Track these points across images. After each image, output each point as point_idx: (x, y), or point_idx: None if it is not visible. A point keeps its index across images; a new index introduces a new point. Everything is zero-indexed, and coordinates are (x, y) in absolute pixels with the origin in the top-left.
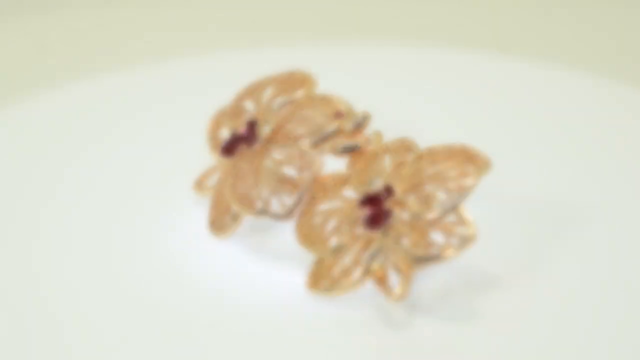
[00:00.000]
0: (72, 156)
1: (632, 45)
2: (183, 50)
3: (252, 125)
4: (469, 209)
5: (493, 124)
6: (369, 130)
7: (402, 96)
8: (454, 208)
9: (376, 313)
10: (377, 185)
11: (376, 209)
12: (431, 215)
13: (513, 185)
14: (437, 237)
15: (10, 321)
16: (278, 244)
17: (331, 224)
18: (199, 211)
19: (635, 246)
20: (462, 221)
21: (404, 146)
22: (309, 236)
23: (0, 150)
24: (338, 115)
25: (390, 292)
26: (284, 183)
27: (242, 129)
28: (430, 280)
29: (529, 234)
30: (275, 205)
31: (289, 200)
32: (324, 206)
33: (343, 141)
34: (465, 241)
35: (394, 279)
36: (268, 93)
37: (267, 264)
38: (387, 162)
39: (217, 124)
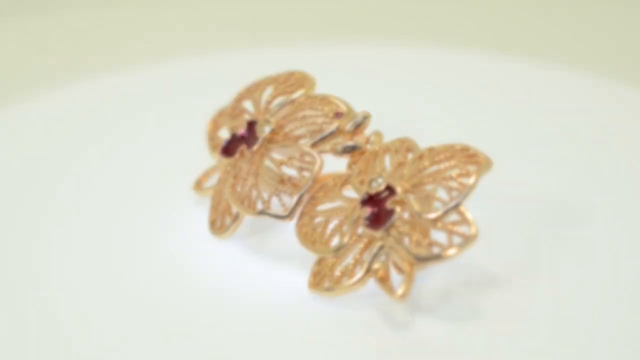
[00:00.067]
0: (72, 156)
1: (632, 45)
2: (183, 50)
3: (252, 126)
4: (470, 209)
5: (493, 124)
6: (369, 130)
7: (402, 96)
8: (455, 207)
9: (377, 313)
10: (378, 185)
11: (378, 208)
12: (433, 214)
13: (513, 185)
14: (438, 236)
15: (10, 321)
16: (278, 244)
17: (332, 224)
18: (199, 211)
19: (635, 246)
20: (463, 220)
21: (404, 146)
22: (310, 236)
23: (0, 150)
24: (338, 115)
25: (392, 291)
26: (284, 183)
27: (242, 129)
28: (431, 279)
29: (529, 233)
30: (276, 206)
31: (289, 200)
32: (324, 206)
33: (343, 141)
34: (467, 240)
35: (395, 278)
36: (267, 93)
37: (267, 264)
38: (387, 162)
39: (216, 124)
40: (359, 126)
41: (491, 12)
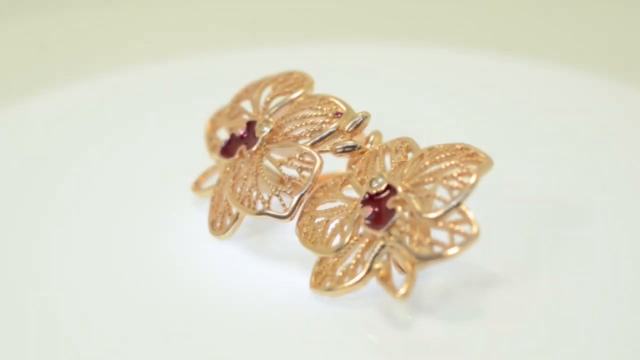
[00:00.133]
0: (72, 156)
1: (632, 45)
2: (183, 50)
3: (251, 126)
4: (471, 208)
5: (493, 124)
6: (368, 130)
7: (402, 96)
8: (456, 206)
9: (378, 312)
10: (379, 185)
11: (379, 208)
12: (434, 214)
13: (513, 185)
14: (440, 235)
15: (11, 321)
16: (278, 244)
17: (333, 224)
18: (199, 211)
19: (636, 246)
20: (465, 219)
21: (404, 146)
22: (310, 236)
23: (0, 150)
24: (337, 115)
25: (394, 290)
26: (284, 183)
27: (241, 129)
28: (431, 279)
29: (529, 233)
30: (276, 206)
31: (289, 200)
32: (325, 206)
33: (343, 141)
34: (469, 239)
35: (396, 278)
36: (266, 94)
37: (268, 264)
38: (387, 161)
39: (214, 125)
40: (358, 126)
41: (491, 12)
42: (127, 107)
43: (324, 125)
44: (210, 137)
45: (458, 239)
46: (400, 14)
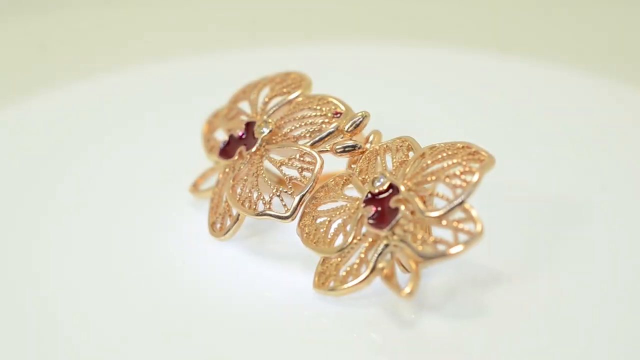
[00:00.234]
0: (72, 156)
1: (632, 45)
2: (183, 50)
3: (249, 127)
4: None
5: (493, 124)
6: (368, 129)
7: (402, 96)
8: (460, 205)
9: (382, 311)
10: (381, 184)
11: (382, 207)
12: (437, 212)
13: (513, 184)
14: (444, 234)
15: (11, 321)
16: (278, 245)
17: (335, 224)
18: (199, 211)
19: (636, 246)
20: (469, 218)
21: (404, 145)
22: (312, 236)
23: (0, 150)
24: (337, 115)
25: (399, 289)
26: (284, 184)
27: (239, 130)
28: (434, 277)
29: (529, 233)
30: (277, 206)
31: (290, 200)
32: (326, 206)
33: (342, 141)
34: (473, 238)
35: (399, 276)
36: (264, 94)
37: (268, 265)
38: (388, 161)
39: (211, 126)
40: (358, 126)
41: (491, 12)
42: (127, 107)
43: (323, 126)
44: (208, 138)
45: (462, 237)
46: (400, 14)
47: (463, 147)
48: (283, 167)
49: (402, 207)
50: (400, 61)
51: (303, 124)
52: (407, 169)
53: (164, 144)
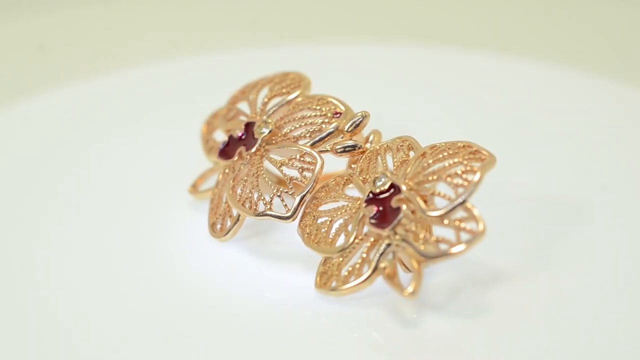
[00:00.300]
0: (72, 156)
1: (631, 45)
2: (183, 50)
3: (249, 127)
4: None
5: (493, 124)
6: (368, 129)
7: (402, 96)
8: (462, 204)
9: (384, 311)
10: (382, 184)
11: (383, 207)
12: (439, 211)
13: (513, 184)
14: (446, 233)
15: (11, 321)
16: (278, 245)
17: (337, 224)
18: (200, 211)
19: (636, 246)
20: (471, 217)
21: (405, 144)
22: (314, 236)
23: (0, 150)
24: (336, 115)
25: (402, 289)
26: (285, 184)
27: (239, 131)
28: (435, 276)
29: (529, 232)
30: (278, 207)
31: (291, 201)
32: (327, 206)
33: (342, 141)
34: (476, 237)
35: (401, 276)
36: (263, 95)
37: (268, 265)
38: (389, 160)
39: (210, 126)
40: (358, 126)
41: (491, 12)
42: (127, 107)
43: (323, 126)
44: (207, 139)
45: (464, 236)
46: (400, 14)
47: (464, 146)
48: (283, 168)
49: (404, 207)
50: (400, 61)
51: (303, 124)
52: (408, 169)
53: (164, 144)
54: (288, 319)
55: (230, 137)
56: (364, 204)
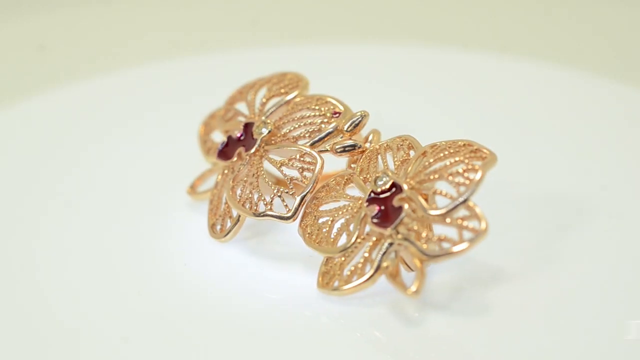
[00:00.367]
0: (71, 156)
1: (632, 45)
2: (183, 50)
3: (248, 128)
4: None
5: (493, 123)
6: (368, 129)
7: (402, 96)
8: (464, 202)
9: (385, 310)
10: (384, 183)
11: (385, 206)
12: (441, 210)
13: (513, 184)
14: (448, 232)
15: (11, 321)
16: (279, 245)
17: (338, 223)
18: (200, 211)
19: (636, 246)
20: (473, 215)
21: (405, 143)
22: (315, 236)
23: (0, 150)
24: (335, 115)
25: (405, 288)
26: (285, 184)
27: (237, 131)
28: (437, 275)
29: (528, 232)
30: (278, 207)
31: (291, 201)
32: (328, 206)
33: (342, 141)
34: (478, 235)
35: (403, 275)
36: (261, 95)
37: (269, 265)
38: (389, 159)
39: (208, 127)
40: (357, 125)
41: (491, 12)
42: (127, 107)
43: (322, 125)
44: (205, 140)
45: (467, 234)
46: (400, 14)
47: (464, 145)
48: (283, 168)
49: (406, 206)
50: (400, 61)
51: (302, 124)
52: (409, 168)
53: (164, 144)
54: (288, 319)
55: (229, 138)
56: (365, 204)
